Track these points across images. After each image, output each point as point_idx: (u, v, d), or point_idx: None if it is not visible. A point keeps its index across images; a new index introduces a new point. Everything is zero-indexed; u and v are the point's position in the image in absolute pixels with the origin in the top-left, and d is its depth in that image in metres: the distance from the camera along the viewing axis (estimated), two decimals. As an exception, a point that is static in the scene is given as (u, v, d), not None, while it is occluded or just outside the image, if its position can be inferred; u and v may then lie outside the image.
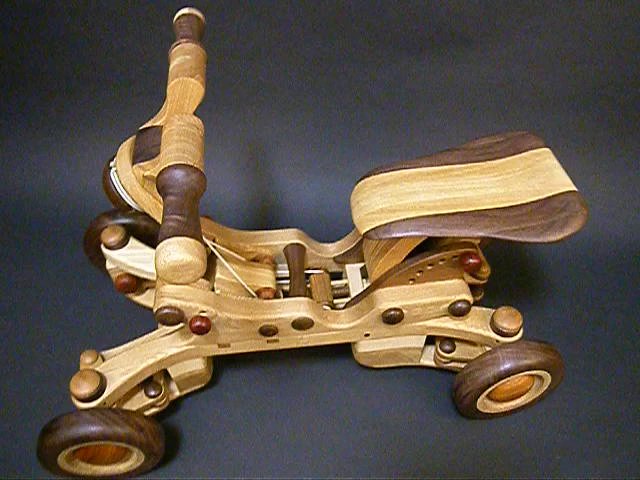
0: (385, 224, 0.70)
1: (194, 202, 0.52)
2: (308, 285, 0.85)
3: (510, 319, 0.78)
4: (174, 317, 0.69)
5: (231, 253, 0.79)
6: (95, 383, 0.72)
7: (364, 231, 0.71)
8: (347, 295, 0.86)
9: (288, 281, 0.84)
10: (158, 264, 0.48)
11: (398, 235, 0.69)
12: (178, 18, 0.72)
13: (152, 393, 0.78)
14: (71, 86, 1.07)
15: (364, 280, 0.86)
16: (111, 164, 0.66)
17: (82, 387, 0.72)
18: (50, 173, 1.15)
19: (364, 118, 1.06)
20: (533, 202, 0.71)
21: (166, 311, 0.69)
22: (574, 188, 0.71)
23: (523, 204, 0.71)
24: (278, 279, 0.86)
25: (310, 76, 1.02)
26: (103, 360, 0.79)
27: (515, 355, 0.76)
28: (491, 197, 0.72)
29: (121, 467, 0.77)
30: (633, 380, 0.90)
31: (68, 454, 0.71)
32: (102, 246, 0.85)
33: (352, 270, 0.87)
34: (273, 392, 0.88)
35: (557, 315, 0.99)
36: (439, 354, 0.85)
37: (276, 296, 0.80)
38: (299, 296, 0.77)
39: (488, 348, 0.80)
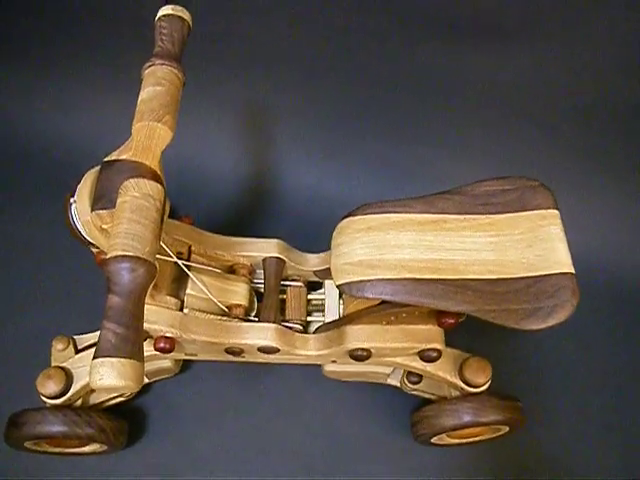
0: (360, 281, 0.65)
1: (139, 302, 0.49)
2: (284, 296, 0.83)
3: (479, 373, 0.76)
4: None
5: (204, 267, 0.76)
6: (60, 383, 0.74)
7: (338, 283, 0.67)
8: (323, 310, 0.84)
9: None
10: (91, 382, 0.46)
11: (370, 296, 0.65)
12: (159, 19, 0.63)
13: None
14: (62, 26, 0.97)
15: (341, 300, 0.83)
16: (72, 200, 0.61)
17: (48, 387, 0.74)
18: (40, 120, 1.09)
19: (378, 101, 0.96)
20: (523, 278, 0.65)
21: (128, 331, 0.69)
22: (571, 270, 0.65)
23: (512, 279, 0.65)
24: (256, 283, 0.84)
25: (325, 49, 0.90)
26: (75, 346, 0.81)
27: (475, 411, 0.75)
28: (480, 263, 0.66)
29: (86, 449, 0.82)
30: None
31: (34, 442, 0.76)
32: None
33: (330, 287, 0.83)
34: (240, 386, 0.90)
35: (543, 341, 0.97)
36: (405, 384, 0.85)
37: (248, 313, 0.79)
38: (268, 320, 0.76)
39: (454, 392, 0.80)
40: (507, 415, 0.76)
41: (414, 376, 0.83)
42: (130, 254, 0.49)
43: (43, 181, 1.07)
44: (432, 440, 0.82)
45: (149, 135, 0.57)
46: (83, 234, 0.62)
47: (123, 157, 0.59)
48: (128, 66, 0.96)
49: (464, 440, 0.84)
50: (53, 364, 0.78)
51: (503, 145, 0.96)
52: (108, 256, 0.50)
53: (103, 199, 0.58)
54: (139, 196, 0.53)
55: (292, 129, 1.05)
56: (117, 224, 0.52)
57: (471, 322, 0.82)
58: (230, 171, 1.07)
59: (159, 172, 0.60)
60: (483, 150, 0.96)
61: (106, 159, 0.60)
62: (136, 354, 0.47)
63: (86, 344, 0.82)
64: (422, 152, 0.99)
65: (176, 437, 0.86)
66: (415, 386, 0.84)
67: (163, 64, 0.59)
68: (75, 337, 0.82)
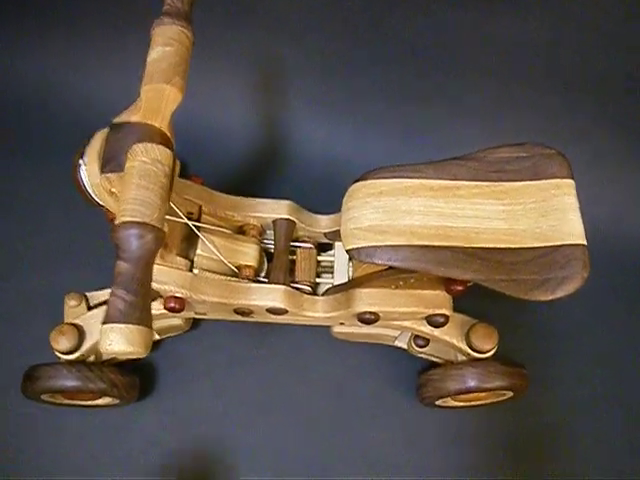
0: (369, 247, 0.65)
1: (147, 269, 0.49)
2: (294, 257, 0.83)
3: (485, 339, 0.76)
4: None
5: (214, 227, 0.76)
6: (73, 339, 0.76)
7: (347, 248, 0.67)
8: (333, 272, 0.84)
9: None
10: (100, 347, 0.47)
11: (379, 262, 0.65)
12: None
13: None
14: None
15: (350, 263, 0.83)
16: (80, 161, 0.61)
17: (61, 342, 0.76)
18: (50, 76, 1.07)
19: (393, 61, 0.93)
20: (534, 249, 0.64)
21: (139, 291, 0.70)
22: (583, 242, 0.64)
23: (523, 249, 0.65)
24: (266, 243, 0.84)
25: (340, 6, 0.87)
26: (87, 303, 0.82)
27: (480, 377, 0.76)
28: (491, 232, 0.65)
29: (99, 402, 0.84)
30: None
31: (49, 395, 0.79)
32: None
33: (340, 249, 0.83)
34: (249, 343, 0.92)
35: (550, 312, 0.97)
36: (412, 346, 0.85)
37: (257, 274, 0.79)
38: (277, 282, 0.76)
39: (460, 356, 0.81)
40: (512, 381, 0.77)
41: (421, 339, 0.84)
42: (138, 220, 0.49)
43: (51, 139, 1.06)
44: (437, 403, 0.84)
45: (158, 97, 0.56)
46: (92, 196, 0.62)
47: (132, 119, 0.59)
48: (138, 24, 0.95)
49: (468, 403, 0.86)
50: (66, 321, 0.80)
51: (519, 111, 0.93)
52: (117, 222, 0.50)
53: (112, 162, 0.58)
54: (148, 161, 0.52)
55: (304, 89, 1.02)
56: (125, 190, 0.51)
57: (478, 289, 0.83)
58: (241, 131, 1.05)
59: (169, 134, 0.59)
60: (499, 115, 0.93)
61: (115, 121, 0.59)
62: (144, 320, 0.48)
63: (97, 302, 0.83)
64: (436, 114, 0.96)
65: (185, 392, 0.88)
66: (422, 349, 0.85)
67: (173, 23, 0.58)
68: (87, 294, 0.83)
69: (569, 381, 0.92)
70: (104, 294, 0.83)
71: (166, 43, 0.57)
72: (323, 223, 0.84)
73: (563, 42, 0.85)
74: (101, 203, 0.63)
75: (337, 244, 0.85)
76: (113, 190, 0.58)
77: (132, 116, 0.58)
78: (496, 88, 0.92)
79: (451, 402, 0.85)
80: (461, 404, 0.86)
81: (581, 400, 0.90)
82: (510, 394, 0.81)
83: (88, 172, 0.60)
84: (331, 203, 0.81)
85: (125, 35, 1.01)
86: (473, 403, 0.86)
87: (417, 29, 0.89)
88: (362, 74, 0.97)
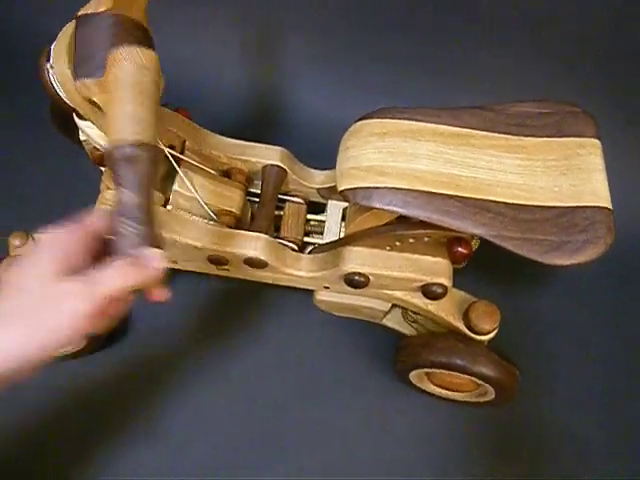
0: (367, 187, 0.57)
1: (149, 193, 0.45)
2: (281, 212, 0.75)
3: (485, 318, 0.68)
4: None
5: (195, 164, 0.68)
6: None
7: (342, 188, 0.59)
8: (323, 232, 0.76)
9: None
10: None
11: (377, 206, 0.57)
12: None
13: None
14: None
15: (343, 223, 0.76)
16: (48, 65, 0.53)
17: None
18: None
19: (396, 19, 0.86)
20: (552, 208, 0.57)
21: (104, 220, 0.62)
22: (608, 205, 0.57)
23: (539, 207, 0.57)
24: (251, 196, 0.76)
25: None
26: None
27: (466, 357, 0.67)
28: (505, 185, 0.58)
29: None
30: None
31: None
32: (74, 115, 0.74)
33: (334, 208, 0.76)
34: (230, 309, 0.84)
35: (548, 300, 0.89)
36: (404, 315, 0.78)
37: (240, 222, 0.71)
38: (259, 230, 0.68)
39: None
40: (497, 375, 0.67)
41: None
42: (136, 141, 0.44)
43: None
44: (410, 377, 0.74)
45: None
46: (69, 103, 0.54)
47: (101, 9, 0.51)
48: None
49: (442, 391, 0.77)
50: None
51: (543, 75, 0.87)
52: (109, 146, 0.43)
53: (86, 64, 0.49)
54: (133, 69, 0.45)
55: (302, 45, 0.96)
56: (112, 104, 0.45)
57: (471, 277, 0.76)
58: (236, 81, 0.99)
59: (146, 25, 0.52)
60: (519, 79, 0.87)
61: (81, 13, 0.51)
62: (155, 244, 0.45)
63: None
64: (446, 77, 0.90)
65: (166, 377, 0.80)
66: (416, 316, 0.76)
67: None
68: (34, 235, 0.75)
69: (563, 378, 0.83)
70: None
71: None
72: (318, 178, 0.77)
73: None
74: (80, 112, 0.55)
75: (331, 202, 0.77)
76: (94, 99, 0.50)
77: (101, 6, 0.51)
78: (514, 53, 0.86)
79: (425, 381, 0.76)
80: (434, 388, 0.76)
81: (577, 397, 0.82)
82: (491, 395, 0.72)
83: (59, 76, 0.52)
84: (328, 160, 0.72)
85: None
86: (447, 393, 0.77)
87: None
88: (364, 34, 0.91)
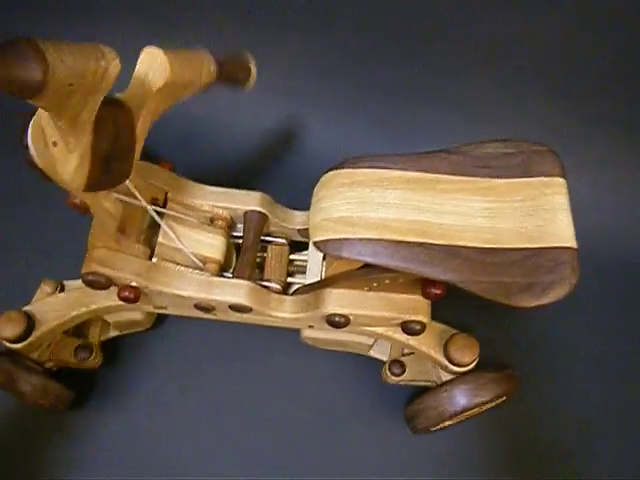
0: (337, 239, 0.60)
1: None
2: (265, 254, 0.78)
3: (465, 351, 0.70)
4: (101, 284, 0.66)
5: (178, 215, 0.71)
6: (20, 326, 0.70)
7: (314, 240, 0.61)
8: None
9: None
10: None
11: (346, 256, 0.59)
12: None
13: (82, 355, 0.77)
14: None
15: (324, 262, 0.78)
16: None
17: (5, 330, 0.70)
18: None
19: (378, 54, 0.87)
20: (519, 250, 0.58)
21: (92, 278, 0.65)
22: (573, 245, 0.58)
23: (507, 249, 0.59)
24: (236, 238, 0.79)
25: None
26: (63, 289, 0.77)
27: (471, 392, 0.69)
28: (473, 230, 0.60)
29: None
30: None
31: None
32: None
33: (315, 248, 0.78)
34: (219, 342, 0.86)
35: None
36: (388, 376, 0.79)
37: (224, 270, 0.74)
38: (242, 277, 0.71)
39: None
40: (503, 388, 0.70)
41: (396, 367, 0.78)
42: None
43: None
44: (432, 429, 0.77)
45: None
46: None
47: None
48: None
49: (465, 416, 0.78)
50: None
51: (512, 108, 0.87)
52: None
53: None
54: None
55: (286, 80, 0.97)
56: None
57: (465, 296, 0.77)
58: (218, 122, 1.01)
59: None
60: (490, 112, 0.88)
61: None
62: None
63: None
64: (425, 111, 0.91)
65: (150, 395, 0.83)
66: (399, 377, 0.78)
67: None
68: (64, 282, 0.77)
69: (560, 393, 0.85)
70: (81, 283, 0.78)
71: None
72: (298, 219, 0.78)
73: (562, 36, 0.79)
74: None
75: (312, 242, 0.79)
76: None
77: None
78: (488, 86, 0.86)
79: (447, 422, 0.78)
80: (452, 422, 0.78)
81: (578, 410, 0.84)
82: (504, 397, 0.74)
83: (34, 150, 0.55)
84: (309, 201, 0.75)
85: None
86: (469, 414, 0.79)
87: (411, 22, 0.83)
88: (347, 69, 0.92)
